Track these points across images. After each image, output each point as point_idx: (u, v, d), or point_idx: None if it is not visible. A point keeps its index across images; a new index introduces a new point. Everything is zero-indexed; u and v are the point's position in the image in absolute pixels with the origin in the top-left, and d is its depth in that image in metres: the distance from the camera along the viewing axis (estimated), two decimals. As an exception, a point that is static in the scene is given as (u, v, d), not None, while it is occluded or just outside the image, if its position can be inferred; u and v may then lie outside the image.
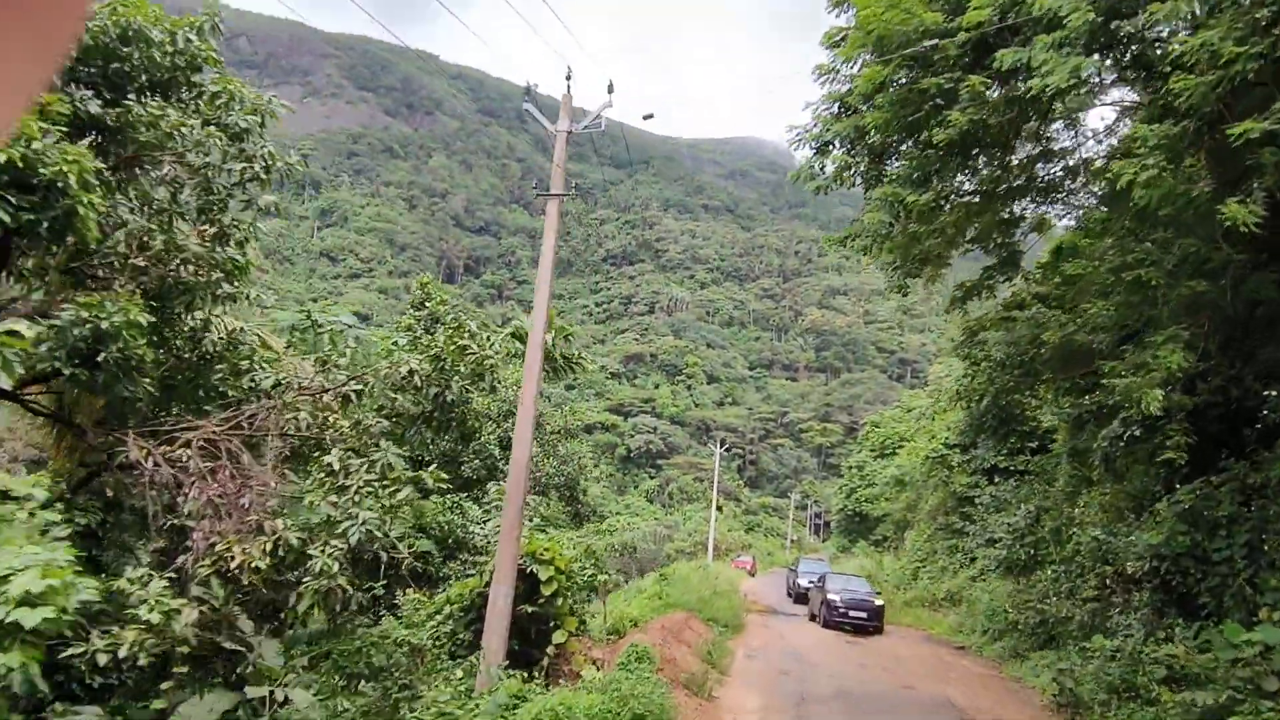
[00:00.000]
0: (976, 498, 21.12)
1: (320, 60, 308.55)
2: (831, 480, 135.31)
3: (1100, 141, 14.76)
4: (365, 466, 12.19)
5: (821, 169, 14.66)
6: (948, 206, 14.54)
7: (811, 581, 26.02)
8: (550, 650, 13.27)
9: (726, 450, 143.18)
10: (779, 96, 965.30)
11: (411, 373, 14.81)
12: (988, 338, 16.63)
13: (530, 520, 16.63)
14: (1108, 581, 14.51)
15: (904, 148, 14.24)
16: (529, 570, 13.65)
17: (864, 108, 13.46)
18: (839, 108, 14.21)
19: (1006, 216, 15.58)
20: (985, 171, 14.65)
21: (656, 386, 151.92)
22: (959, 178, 14.65)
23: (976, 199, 14.93)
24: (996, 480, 21.61)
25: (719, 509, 70.96)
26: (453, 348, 16.34)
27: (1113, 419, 14.72)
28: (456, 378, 15.90)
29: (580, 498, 23.41)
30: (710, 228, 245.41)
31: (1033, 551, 16.07)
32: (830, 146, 14.19)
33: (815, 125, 14.24)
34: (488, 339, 19.81)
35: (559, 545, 15.05)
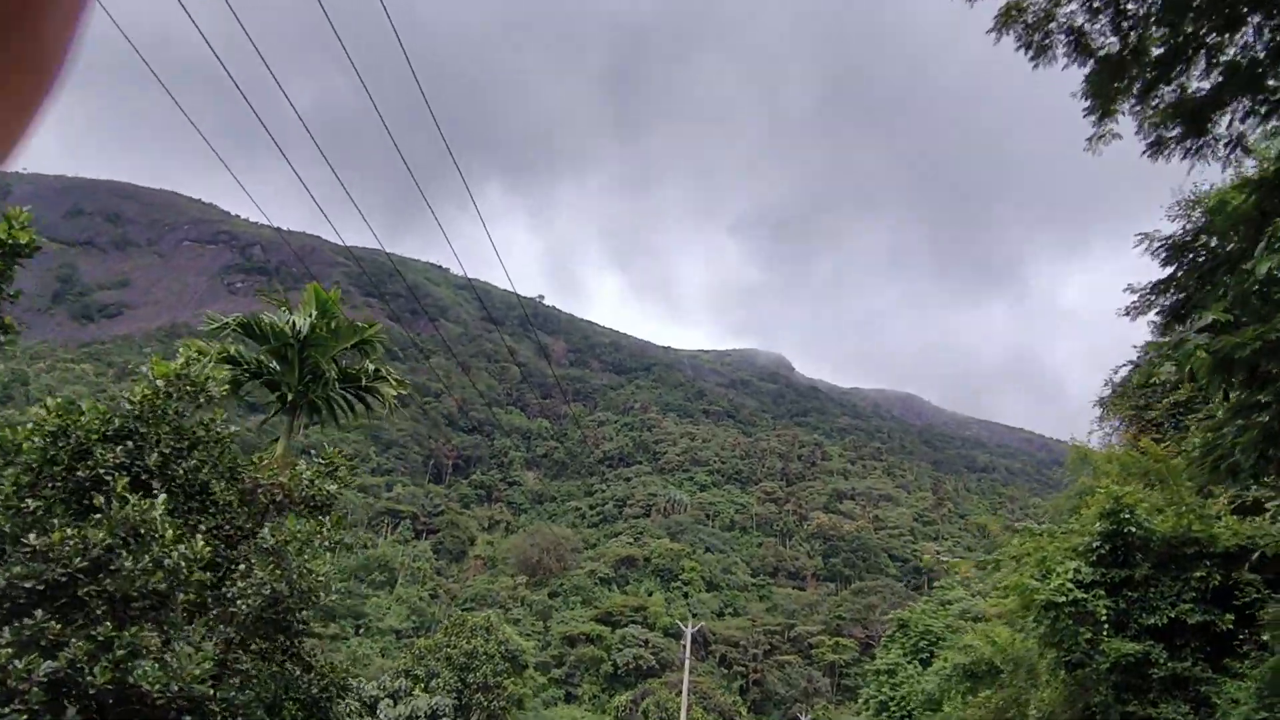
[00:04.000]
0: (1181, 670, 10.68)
1: (329, 268, 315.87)
2: (848, 704, 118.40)
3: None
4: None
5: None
6: None
7: None
8: None
9: (728, 668, 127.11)
10: (771, 314, 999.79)
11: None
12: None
13: None
14: None
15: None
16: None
17: None
18: None
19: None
20: None
21: (650, 594, 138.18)
22: None
23: None
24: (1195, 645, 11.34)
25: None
26: None
27: None
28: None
29: (297, 646, 11.31)
30: (710, 431, 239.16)
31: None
32: None
33: None
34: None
35: None
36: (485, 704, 39.20)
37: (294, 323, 15.65)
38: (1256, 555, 11.74)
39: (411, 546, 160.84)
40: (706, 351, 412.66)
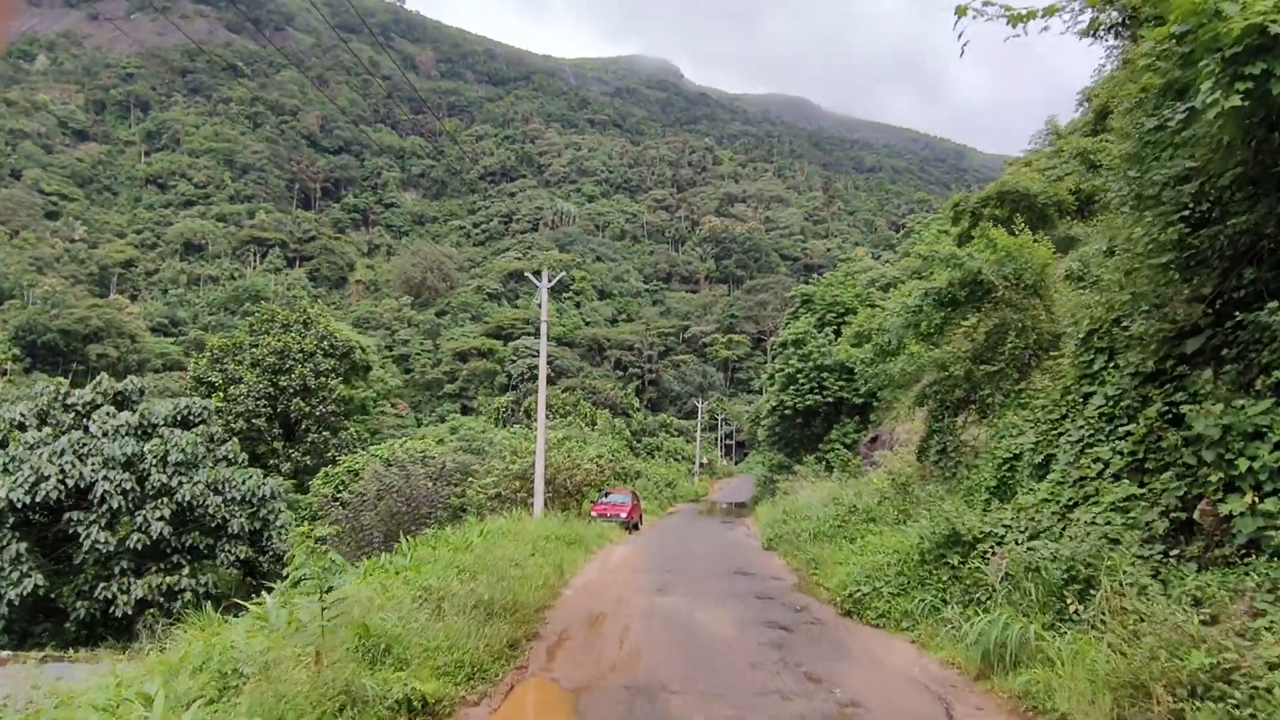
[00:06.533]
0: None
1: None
2: (740, 395, 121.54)
3: None
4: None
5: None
6: None
7: None
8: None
9: (623, 371, 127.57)
10: (649, 8, 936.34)
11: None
12: None
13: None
14: None
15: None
16: None
17: None
18: None
19: None
20: None
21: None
22: None
23: None
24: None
25: (592, 424, 51.82)
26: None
27: None
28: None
29: None
30: (597, 140, 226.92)
31: None
32: None
33: None
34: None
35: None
36: (308, 409, 32.31)
37: None
38: None
39: (284, 275, 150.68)
40: (590, 59, 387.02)
